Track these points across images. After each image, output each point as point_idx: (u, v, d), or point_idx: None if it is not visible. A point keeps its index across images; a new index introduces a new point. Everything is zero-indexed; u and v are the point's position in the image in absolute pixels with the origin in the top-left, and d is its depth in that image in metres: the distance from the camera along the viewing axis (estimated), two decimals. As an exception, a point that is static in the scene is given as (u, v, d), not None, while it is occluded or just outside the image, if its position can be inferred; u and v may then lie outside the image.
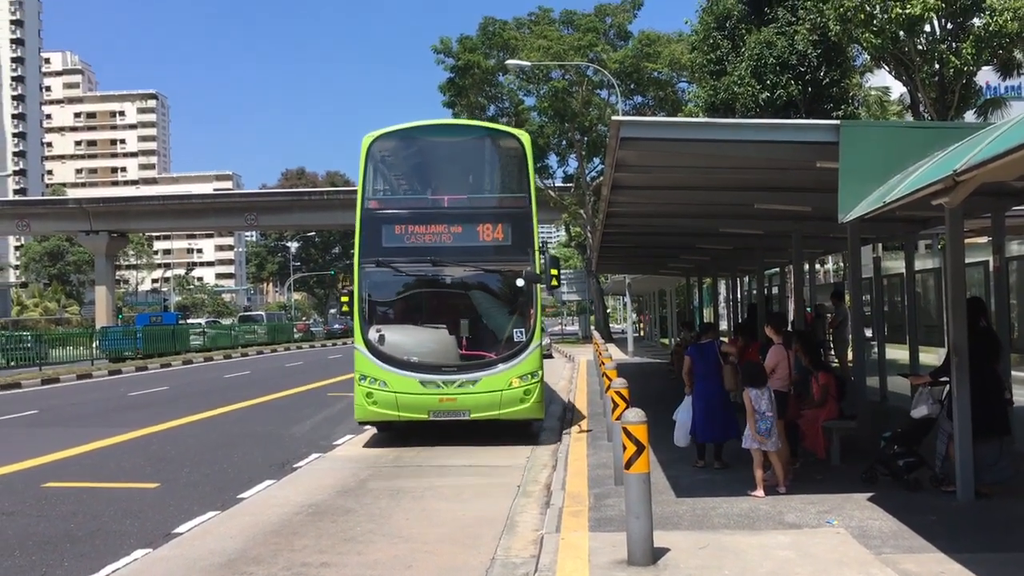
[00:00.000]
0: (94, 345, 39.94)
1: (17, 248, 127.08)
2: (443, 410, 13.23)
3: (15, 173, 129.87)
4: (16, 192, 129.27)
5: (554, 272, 13.44)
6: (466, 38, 49.37)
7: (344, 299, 14.35)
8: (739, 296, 29.48)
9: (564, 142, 51.53)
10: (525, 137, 14.40)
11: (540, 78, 48.38)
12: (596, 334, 37.58)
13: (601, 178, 39.76)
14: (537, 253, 13.51)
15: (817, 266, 30.37)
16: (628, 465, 6.76)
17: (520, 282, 13.53)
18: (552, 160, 53.53)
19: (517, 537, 8.10)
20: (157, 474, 11.84)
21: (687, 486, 9.35)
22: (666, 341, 42.50)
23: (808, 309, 18.83)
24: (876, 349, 16.26)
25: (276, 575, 7.31)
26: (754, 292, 25.04)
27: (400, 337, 13.70)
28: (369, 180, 14.11)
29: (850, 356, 14.75)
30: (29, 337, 37.48)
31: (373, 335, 13.55)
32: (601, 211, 14.37)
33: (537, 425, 14.76)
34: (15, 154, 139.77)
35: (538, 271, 13.43)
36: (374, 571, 7.33)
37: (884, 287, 17.38)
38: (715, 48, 28.09)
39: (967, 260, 11.19)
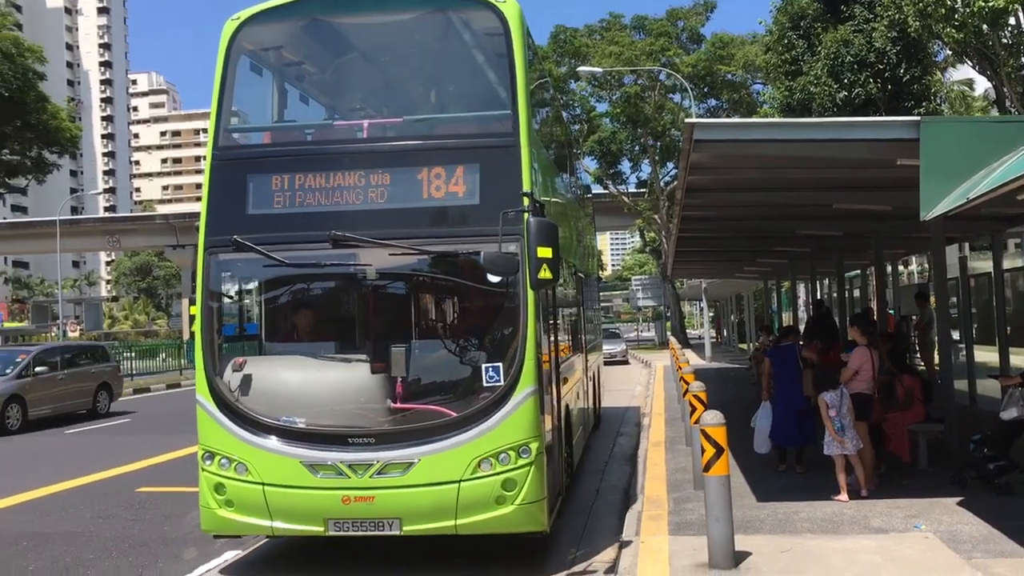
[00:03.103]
0: (182, 355, 41.20)
1: (108, 263, 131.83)
2: (351, 518, 7.20)
3: (105, 191, 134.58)
4: (106, 209, 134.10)
5: (545, 253, 6.92)
6: (537, 47, 49.58)
7: (193, 310, 7.75)
8: (820, 299, 28.91)
9: (637, 148, 51.25)
10: (511, 8, 7.71)
11: (612, 84, 48.25)
12: (673, 339, 37.28)
13: (675, 183, 39.49)
14: (528, 220, 7.08)
15: (900, 267, 29.62)
16: (707, 468, 6.72)
17: (495, 277, 7.39)
18: (625, 166, 53.38)
19: (596, 539, 8.12)
20: (244, 479, 12.17)
21: (768, 490, 9.23)
22: (744, 346, 41.90)
23: (891, 312, 18.38)
24: (964, 351, 15.78)
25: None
26: (834, 295, 24.57)
27: (274, 380, 7.68)
28: (231, 97, 8.06)
29: (936, 359, 14.36)
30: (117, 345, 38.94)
31: (228, 378, 7.58)
32: (676, 215, 14.24)
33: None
34: (105, 172, 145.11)
35: (526, 251, 7.04)
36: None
37: (971, 287, 16.85)
38: (790, 48, 27.68)
39: (1059, 257, 10.81)
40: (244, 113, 8.65)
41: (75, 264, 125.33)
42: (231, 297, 8.35)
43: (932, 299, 16.67)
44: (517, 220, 7.14)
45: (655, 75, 46.87)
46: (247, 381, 7.53)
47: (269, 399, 7.49)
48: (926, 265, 29.16)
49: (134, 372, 35.92)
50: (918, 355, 18.22)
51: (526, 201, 7.26)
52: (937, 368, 13.97)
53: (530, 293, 7.22)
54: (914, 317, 18.43)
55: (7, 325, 55.08)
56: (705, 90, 48.49)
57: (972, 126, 9.03)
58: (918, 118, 7.72)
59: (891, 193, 10.79)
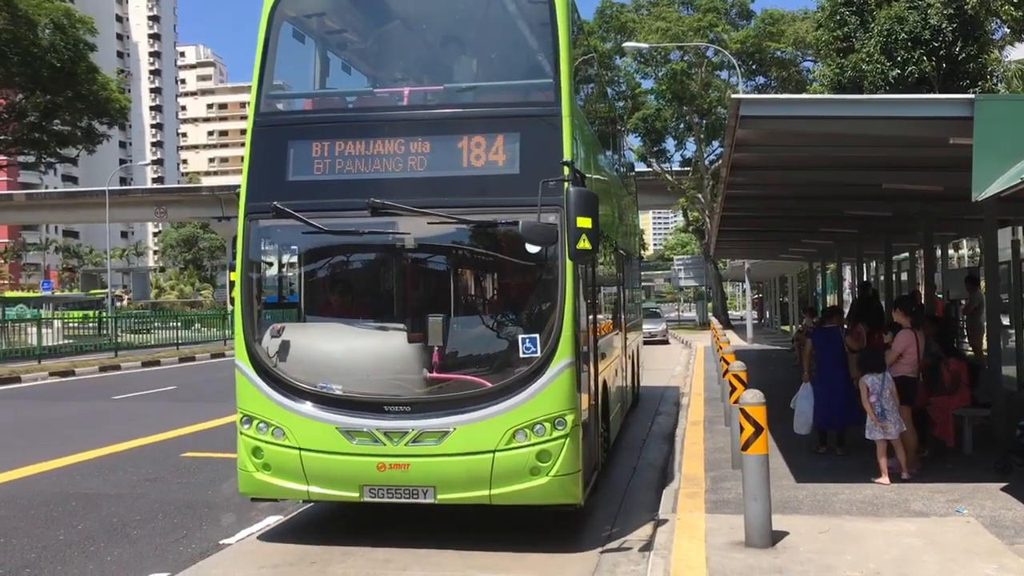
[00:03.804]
0: (226, 326, 41.86)
1: (155, 234, 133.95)
2: (386, 485, 7.25)
3: (153, 162, 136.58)
4: (154, 180, 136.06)
5: (584, 224, 6.78)
6: (583, 22, 49.14)
7: (233, 276, 7.87)
8: (867, 281, 28.51)
9: (682, 125, 50.75)
10: None
11: (658, 61, 47.76)
12: (714, 320, 37.06)
13: (719, 162, 39.05)
14: (568, 189, 6.99)
15: (950, 251, 29.10)
16: (746, 447, 6.69)
17: (534, 247, 7.33)
18: (670, 144, 52.86)
19: (632, 516, 8.13)
20: (286, 447, 12.36)
21: (807, 471, 9.17)
22: (787, 328, 41.49)
23: (939, 296, 18.09)
24: (1013, 336, 15.47)
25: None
26: (881, 278, 24.19)
27: (312, 347, 7.75)
28: (272, 64, 8.00)
29: (985, 343, 14.10)
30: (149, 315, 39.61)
31: (266, 344, 7.66)
32: (720, 193, 14.07)
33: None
34: (153, 144, 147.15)
35: (565, 221, 6.95)
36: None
37: (1023, 272, 16.47)
38: (842, 24, 27.12)
39: (1115, 242, 10.53)
40: (286, 80, 8.61)
41: (123, 234, 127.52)
42: (270, 263, 8.34)
43: (982, 283, 16.36)
44: (556, 190, 7.02)
45: (702, 51, 46.31)
46: (285, 347, 7.60)
47: (307, 365, 7.57)
48: (977, 249, 28.60)
49: (179, 341, 36.63)
50: (967, 339, 17.91)
51: (566, 171, 7.13)
52: (985, 353, 13.71)
53: (569, 265, 7.16)
54: (963, 301, 18.10)
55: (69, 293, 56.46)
56: (753, 67, 47.87)
57: (1029, 105, 8.80)
58: (972, 96, 7.56)
59: (942, 173, 10.57)
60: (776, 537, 6.66)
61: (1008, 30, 25.84)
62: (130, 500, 9.36)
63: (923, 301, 16.06)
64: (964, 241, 29.86)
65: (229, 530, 8.16)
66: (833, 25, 27.49)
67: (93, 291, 66.56)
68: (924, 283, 16.76)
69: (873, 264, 28.30)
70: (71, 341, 34.48)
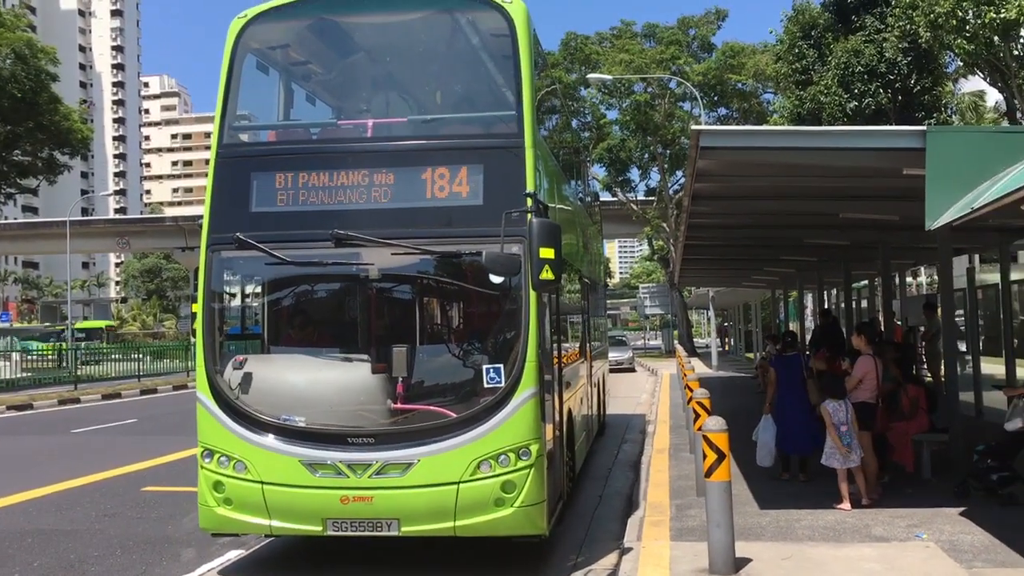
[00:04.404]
0: (189, 357, 41.35)
1: (117, 265, 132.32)
2: (349, 518, 7.16)
3: (116, 193, 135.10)
4: (116, 211, 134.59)
5: (547, 254, 6.86)
6: (548, 54, 49.73)
7: (196, 307, 7.80)
8: (827, 308, 28.85)
9: (647, 155, 51.30)
10: (517, 9, 7.67)
11: (622, 92, 48.32)
12: (679, 348, 37.28)
13: (683, 191, 39.48)
14: (531, 220, 7.02)
15: (909, 278, 29.58)
16: (709, 473, 6.74)
17: (497, 278, 7.32)
18: (634, 173, 53.45)
19: (598, 545, 8.13)
20: (249, 480, 12.20)
21: (770, 498, 9.22)
22: (751, 355, 41.84)
23: (899, 323, 18.36)
24: (970, 362, 15.74)
25: None
26: (841, 305, 24.50)
27: (274, 379, 7.69)
28: (236, 95, 8.00)
29: (943, 369, 14.33)
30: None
31: (228, 375, 7.60)
32: (682, 222, 14.23)
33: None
34: (116, 174, 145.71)
35: (529, 251, 6.99)
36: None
37: (978, 299, 16.80)
38: (800, 58, 27.74)
39: (1066, 269, 10.78)
40: (249, 111, 8.59)
41: (85, 265, 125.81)
42: (233, 294, 8.29)
43: (939, 309, 16.64)
44: (520, 221, 7.08)
45: (665, 83, 46.95)
46: (247, 379, 7.52)
47: (269, 397, 7.47)
48: (936, 276, 29.12)
49: (141, 373, 36.13)
50: (925, 365, 18.19)
51: (529, 202, 7.18)
52: (943, 379, 13.92)
53: (532, 295, 7.16)
54: (922, 328, 18.39)
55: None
56: (715, 99, 48.57)
57: (978, 136, 9.04)
58: (924, 127, 7.75)
59: (898, 203, 10.79)
60: (740, 564, 6.69)
61: (961, 63, 26.52)
62: (88, 536, 9.19)
63: (883, 328, 16.30)
64: (922, 268, 30.39)
65: (189, 565, 8.04)
66: (792, 58, 28.11)
67: (99, 323, 65.78)
68: (883, 310, 17.01)
69: (834, 291, 28.68)
70: (29, 374, 33.83)
